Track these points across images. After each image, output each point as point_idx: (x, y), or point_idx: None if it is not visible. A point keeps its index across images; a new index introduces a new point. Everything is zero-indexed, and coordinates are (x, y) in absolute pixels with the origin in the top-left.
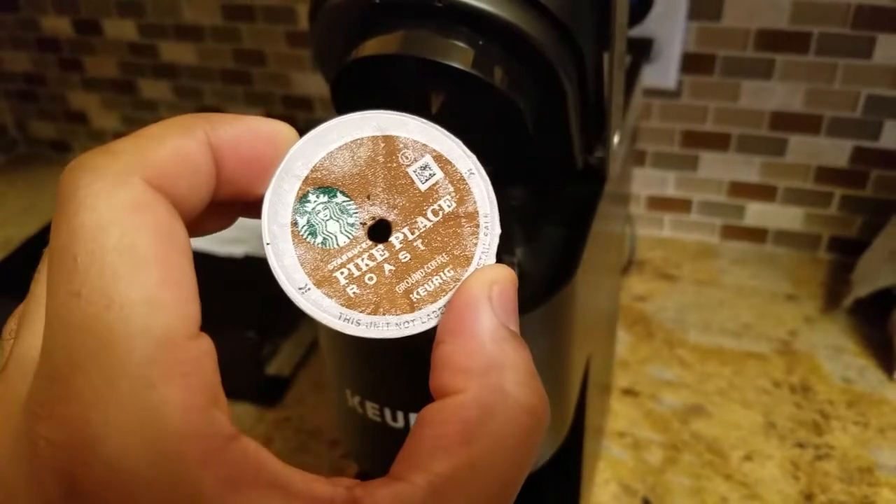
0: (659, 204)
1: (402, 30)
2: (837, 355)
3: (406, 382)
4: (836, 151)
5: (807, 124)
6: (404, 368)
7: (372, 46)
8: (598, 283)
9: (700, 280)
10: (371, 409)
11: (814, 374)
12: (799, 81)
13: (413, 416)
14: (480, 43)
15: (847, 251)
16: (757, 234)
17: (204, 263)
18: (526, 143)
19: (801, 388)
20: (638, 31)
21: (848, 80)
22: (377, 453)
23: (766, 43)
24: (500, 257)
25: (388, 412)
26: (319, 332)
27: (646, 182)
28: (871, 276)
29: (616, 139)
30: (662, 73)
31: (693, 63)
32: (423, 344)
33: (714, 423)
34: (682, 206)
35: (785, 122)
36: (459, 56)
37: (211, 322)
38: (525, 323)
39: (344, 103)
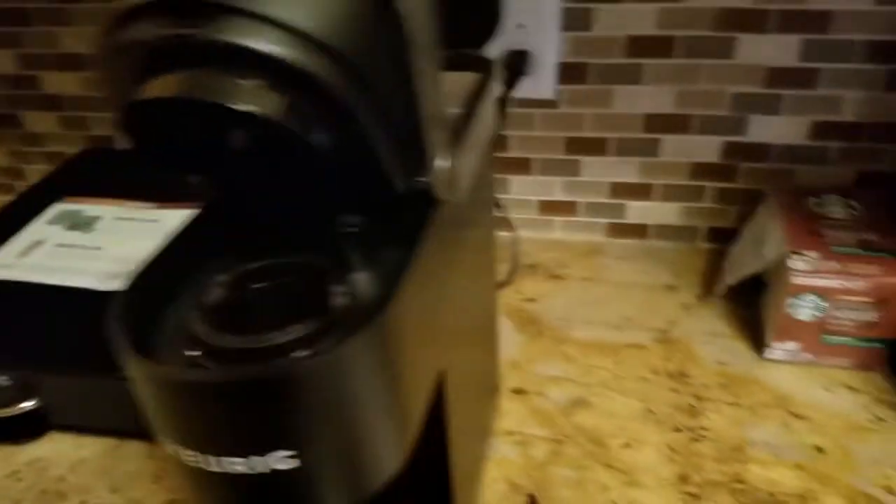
0: (548, 208)
1: (185, 71)
2: (713, 340)
3: (210, 424)
4: (707, 147)
5: (678, 124)
6: (212, 410)
7: (153, 88)
8: (448, 301)
9: (586, 277)
10: (186, 456)
11: (690, 360)
12: (668, 84)
13: (226, 461)
14: (268, 83)
15: (724, 240)
16: (639, 231)
17: (82, 300)
18: (333, 174)
19: (678, 374)
20: (515, 44)
21: (713, 79)
22: (211, 500)
23: (635, 49)
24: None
25: (201, 458)
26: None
27: (535, 188)
28: (739, 264)
29: (444, 162)
30: (541, 83)
31: (569, 72)
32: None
33: (595, 413)
34: (569, 208)
35: (657, 123)
36: (242, 96)
37: (78, 364)
38: (346, 354)
39: (139, 142)
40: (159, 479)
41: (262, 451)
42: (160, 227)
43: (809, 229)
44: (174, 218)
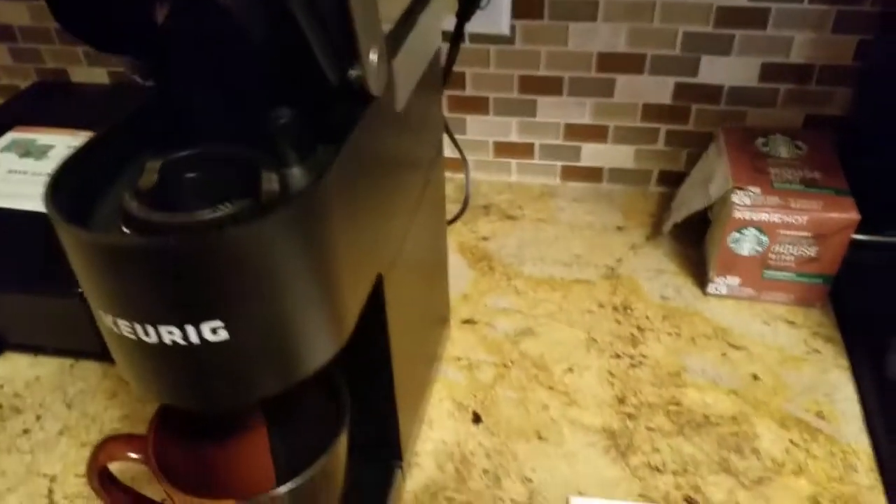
0: (505, 149)
1: None
2: (657, 276)
3: (146, 292)
4: (660, 88)
5: (631, 64)
6: (138, 278)
7: None
8: (384, 208)
9: (540, 219)
10: (124, 326)
11: (634, 294)
12: (622, 21)
13: (163, 329)
14: None
15: (674, 184)
16: (593, 174)
17: (31, 222)
18: (267, 64)
19: (623, 308)
20: None
21: (666, 18)
22: (144, 374)
23: None
24: (259, 175)
25: (138, 327)
26: (70, 260)
27: (491, 129)
28: (686, 201)
29: (373, 56)
30: (495, 19)
31: (523, 8)
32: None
33: (541, 342)
34: (526, 150)
35: (611, 62)
36: None
37: (33, 284)
38: (257, 232)
39: (65, 14)
40: (114, 395)
41: (194, 319)
42: None
43: (755, 167)
44: None
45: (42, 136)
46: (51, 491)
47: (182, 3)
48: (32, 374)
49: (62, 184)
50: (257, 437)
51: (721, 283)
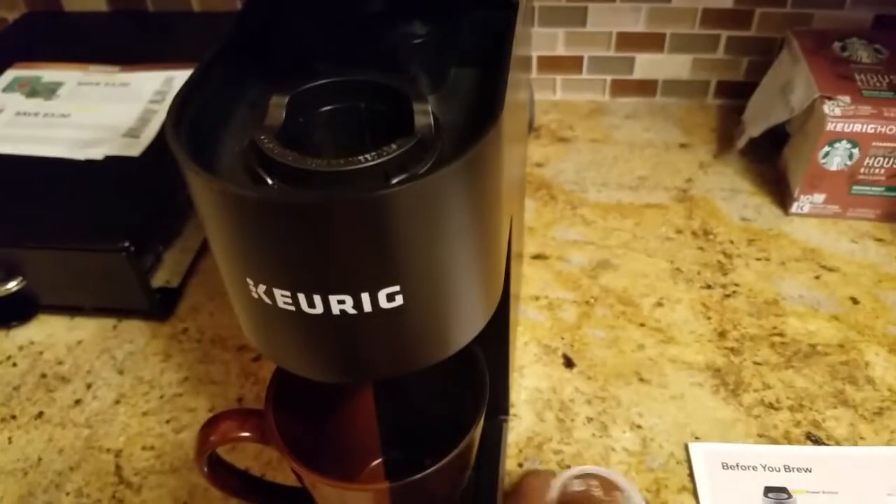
0: (550, 64)
1: None
2: (733, 196)
3: (319, 258)
4: None
5: None
6: (315, 242)
7: None
8: (514, 137)
9: (594, 139)
10: (281, 297)
11: (713, 217)
12: None
13: (333, 299)
14: None
15: (734, 95)
16: (646, 87)
17: (58, 170)
18: None
19: (703, 232)
20: None
21: None
22: (295, 348)
23: None
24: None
25: (301, 298)
26: (205, 221)
27: (536, 42)
28: (762, 114)
29: None
30: None
31: None
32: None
33: (622, 274)
34: (573, 64)
35: None
36: None
37: (77, 235)
38: (450, 178)
39: None
40: (167, 356)
41: (372, 286)
42: (133, 91)
43: (838, 73)
44: (146, 81)
45: (46, 73)
46: (118, 467)
47: None
48: (73, 338)
49: (181, 126)
50: (365, 404)
51: (805, 201)
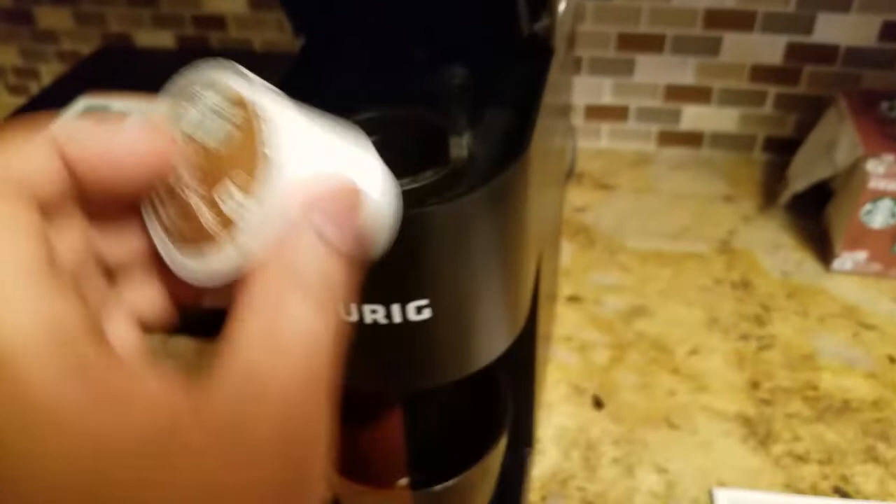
0: (596, 113)
1: None
2: (775, 250)
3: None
4: (770, 48)
5: (740, 21)
6: None
7: None
8: (546, 178)
9: (638, 188)
10: None
11: (753, 270)
12: None
13: (367, 308)
14: None
15: (781, 150)
16: (693, 139)
17: None
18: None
19: (742, 284)
20: None
21: None
22: None
23: None
24: (450, 141)
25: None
26: None
27: (583, 90)
28: (806, 170)
29: (562, 5)
30: None
31: None
32: None
33: (657, 321)
34: (619, 113)
35: (719, 19)
36: None
37: None
38: (474, 203)
39: None
40: None
41: (403, 298)
42: None
43: (884, 133)
44: None
45: (116, 102)
46: None
47: None
48: None
49: None
50: (393, 426)
51: (847, 258)
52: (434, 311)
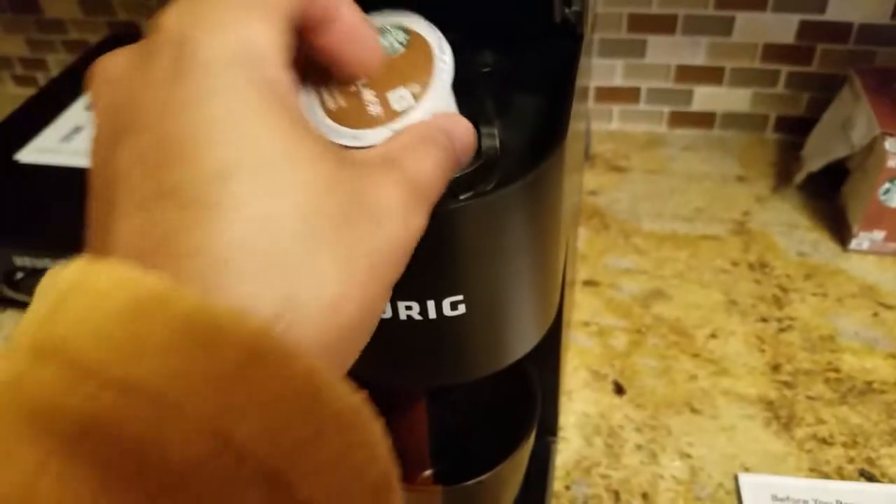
0: (607, 94)
1: None
2: (791, 231)
3: None
4: (783, 27)
5: (753, 0)
6: None
7: None
8: (573, 164)
9: (650, 169)
10: None
11: (770, 251)
12: None
13: (401, 304)
14: None
15: (793, 130)
16: (705, 119)
17: None
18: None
19: (759, 266)
20: None
21: None
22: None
23: None
24: (479, 130)
25: None
26: None
27: (594, 72)
28: (822, 149)
29: None
30: None
31: None
32: None
33: (675, 305)
34: (631, 95)
35: None
36: None
37: None
38: (512, 197)
39: None
40: None
41: (438, 294)
42: None
43: None
44: None
45: None
46: None
47: None
48: None
49: None
50: (418, 417)
51: (864, 238)
52: (469, 307)
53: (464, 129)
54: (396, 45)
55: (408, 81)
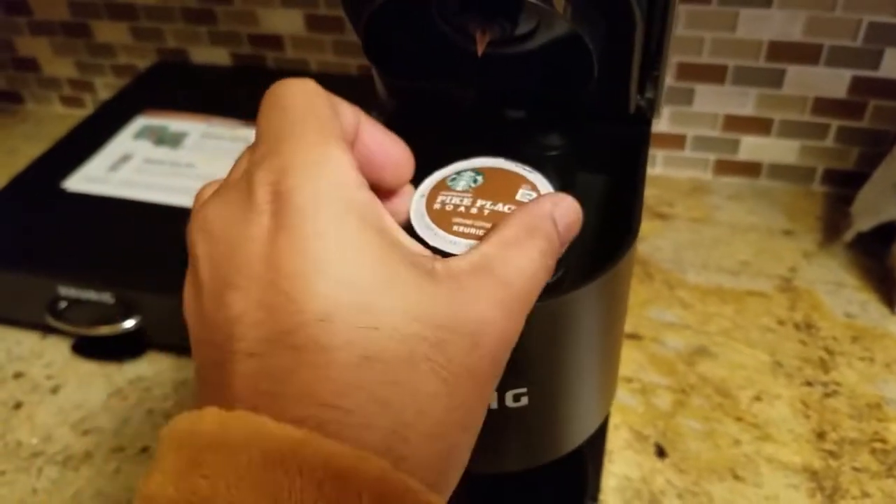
0: (653, 140)
1: None
2: (838, 290)
3: None
4: (835, 82)
5: (805, 54)
6: None
7: None
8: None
9: (695, 218)
10: None
11: (816, 311)
12: (799, 9)
13: None
14: None
15: (842, 184)
16: (751, 169)
17: (183, 219)
18: (585, 84)
19: (805, 326)
20: None
21: (849, 6)
22: None
23: None
24: None
25: None
26: None
27: None
28: (872, 208)
29: (665, 78)
30: None
31: None
32: None
33: (720, 364)
34: (676, 141)
35: (783, 51)
36: None
37: (178, 285)
38: (584, 296)
39: (374, 47)
40: None
41: (502, 387)
42: None
43: None
44: None
45: (172, 123)
46: None
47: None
48: (179, 378)
49: None
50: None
51: None
52: (531, 398)
53: (568, 207)
54: (472, 183)
55: (498, 201)
